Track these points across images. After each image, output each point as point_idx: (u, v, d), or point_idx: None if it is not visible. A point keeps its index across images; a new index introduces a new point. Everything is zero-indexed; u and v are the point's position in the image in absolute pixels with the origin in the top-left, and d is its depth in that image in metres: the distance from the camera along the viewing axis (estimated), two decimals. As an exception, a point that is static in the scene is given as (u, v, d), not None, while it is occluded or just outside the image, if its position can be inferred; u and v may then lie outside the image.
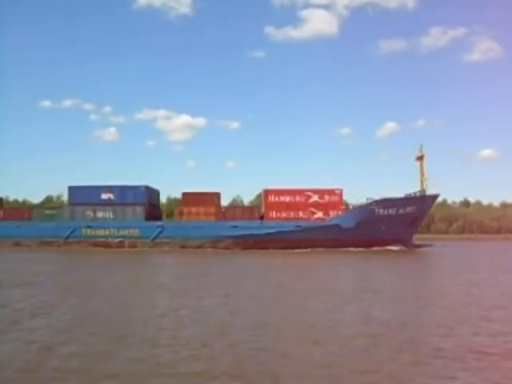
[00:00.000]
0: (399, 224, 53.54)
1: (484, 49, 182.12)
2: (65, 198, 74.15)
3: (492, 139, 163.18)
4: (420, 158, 56.75)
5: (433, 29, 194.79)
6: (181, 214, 55.16)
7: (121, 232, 54.76)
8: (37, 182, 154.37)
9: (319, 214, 54.35)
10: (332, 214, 54.26)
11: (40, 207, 67.37)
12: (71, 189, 57.39)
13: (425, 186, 55.92)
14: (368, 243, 51.95)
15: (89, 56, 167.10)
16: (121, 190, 56.29)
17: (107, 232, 54.95)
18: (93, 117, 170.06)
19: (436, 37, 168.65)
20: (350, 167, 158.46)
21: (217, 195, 58.46)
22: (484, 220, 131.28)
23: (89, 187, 56.94)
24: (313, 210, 54.45)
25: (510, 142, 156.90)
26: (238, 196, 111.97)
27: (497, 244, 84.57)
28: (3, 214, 58.37)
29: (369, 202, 54.40)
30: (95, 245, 54.11)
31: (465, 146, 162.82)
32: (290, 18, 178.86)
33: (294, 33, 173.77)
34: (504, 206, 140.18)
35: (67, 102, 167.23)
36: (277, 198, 55.83)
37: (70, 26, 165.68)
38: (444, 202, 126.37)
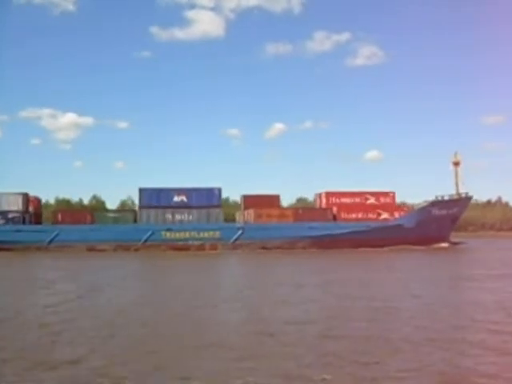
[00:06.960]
0: (445, 223, 60.21)
1: (367, 54, 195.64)
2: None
3: (377, 141, 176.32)
4: (456, 164, 64.08)
5: (317, 33, 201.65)
6: (259, 216, 56.08)
7: (201, 234, 54.07)
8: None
9: (385, 215, 59.07)
10: (396, 214, 59.34)
11: (104, 210, 62.81)
12: (142, 191, 55.05)
13: (460, 190, 63.49)
14: (424, 241, 57.71)
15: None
16: (195, 193, 55.46)
17: (187, 235, 53.87)
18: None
19: (320, 41, 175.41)
20: (235, 167, 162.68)
21: (277, 197, 60.46)
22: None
23: (161, 189, 55.27)
24: (380, 211, 58.99)
25: (393, 143, 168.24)
26: (129, 197, 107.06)
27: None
28: (61, 217, 54.10)
29: (427, 203, 60.52)
30: (174, 248, 52.72)
31: (351, 147, 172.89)
32: (176, 18, 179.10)
33: (180, 33, 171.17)
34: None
35: None
36: (338, 200, 59.48)
37: None
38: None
